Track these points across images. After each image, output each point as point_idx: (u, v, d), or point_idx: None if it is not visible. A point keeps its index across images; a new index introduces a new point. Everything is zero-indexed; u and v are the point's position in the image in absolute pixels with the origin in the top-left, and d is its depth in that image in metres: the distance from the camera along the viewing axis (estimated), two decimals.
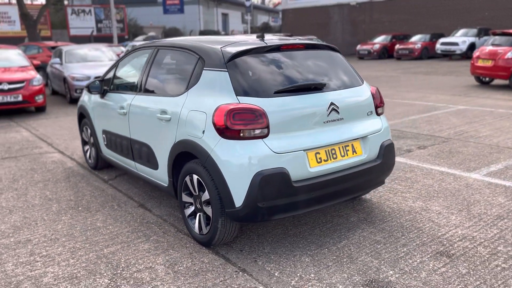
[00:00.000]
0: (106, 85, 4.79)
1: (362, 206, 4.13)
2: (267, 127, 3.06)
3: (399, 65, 21.48)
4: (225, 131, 3.03)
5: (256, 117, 3.04)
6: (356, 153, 3.46)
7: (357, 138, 3.48)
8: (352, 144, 3.45)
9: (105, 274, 3.02)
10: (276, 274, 3.00)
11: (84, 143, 5.66)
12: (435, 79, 14.96)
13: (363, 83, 3.75)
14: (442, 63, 21.16)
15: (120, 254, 3.30)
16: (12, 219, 4.00)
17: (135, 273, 3.03)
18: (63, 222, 3.90)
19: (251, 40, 3.60)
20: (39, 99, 9.81)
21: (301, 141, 3.16)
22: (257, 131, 3.03)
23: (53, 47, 15.69)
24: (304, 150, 3.16)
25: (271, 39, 3.69)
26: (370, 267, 3.05)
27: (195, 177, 3.31)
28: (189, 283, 2.90)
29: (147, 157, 3.97)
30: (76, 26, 39.99)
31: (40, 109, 10.25)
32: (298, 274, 2.98)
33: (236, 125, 3.01)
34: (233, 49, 3.32)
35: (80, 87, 11.05)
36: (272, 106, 3.11)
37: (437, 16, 28.30)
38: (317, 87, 3.34)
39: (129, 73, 4.57)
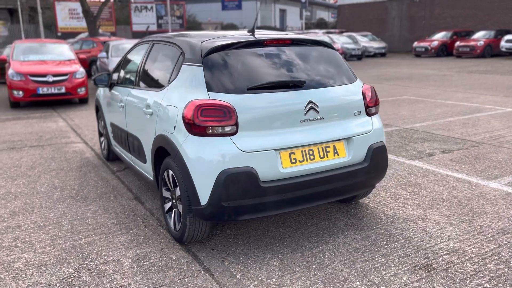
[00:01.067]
0: (115, 78, 4.90)
1: (355, 211, 3.93)
2: (236, 124, 2.97)
3: (456, 63, 20.34)
4: (192, 127, 2.98)
5: (225, 113, 2.95)
6: (338, 154, 3.28)
7: (340, 139, 3.30)
8: (334, 145, 3.28)
9: (72, 263, 3.09)
10: (238, 276, 2.91)
11: (100, 134, 5.84)
12: (491, 78, 14.00)
13: (354, 81, 3.55)
14: (505, 62, 19.79)
15: (95, 245, 3.36)
16: (14, 205, 4.20)
17: (101, 265, 3.06)
18: (57, 210, 4.04)
19: (237, 35, 3.52)
20: (81, 91, 10.28)
21: (273, 140, 3.04)
22: (225, 128, 2.95)
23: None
24: (275, 150, 3.03)
25: (262, 34, 3.58)
26: (338, 275, 2.88)
27: (170, 172, 3.30)
28: (148, 278, 2.88)
29: (138, 150, 4.01)
30: (138, 22, 41.64)
31: (83, 101, 10.74)
32: (260, 278, 2.88)
33: (203, 122, 2.95)
34: (211, 44, 3.25)
35: None
36: (243, 103, 3.02)
37: (505, 11, 26.46)
38: (296, 85, 3.20)
39: (130, 67, 4.64)
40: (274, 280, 2.86)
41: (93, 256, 3.19)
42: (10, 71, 9.85)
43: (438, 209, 3.91)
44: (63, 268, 3.03)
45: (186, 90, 3.19)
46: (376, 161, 3.45)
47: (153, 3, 42.27)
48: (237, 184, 2.93)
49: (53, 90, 9.89)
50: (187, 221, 3.16)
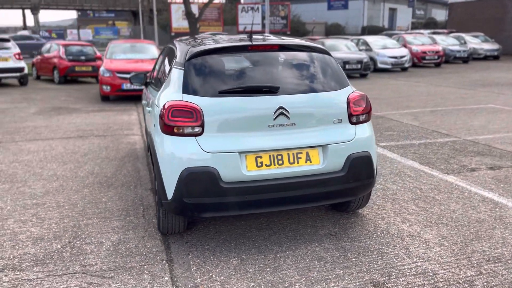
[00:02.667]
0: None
1: (347, 221, 3.83)
2: (201, 125, 3.12)
3: None
4: (164, 126, 3.20)
5: (192, 115, 3.12)
6: (310, 161, 3.26)
7: (315, 146, 3.27)
8: (307, 152, 3.26)
9: (63, 240, 3.51)
10: (192, 269, 3.07)
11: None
12: None
13: (342, 88, 3.47)
14: None
15: (91, 226, 3.76)
16: (51, 186, 4.82)
17: (85, 245, 3.44)
18: (80, 194, 4.56)
19: (227, 39, 3.66)
20: None
21: (237, 143, 3.14)
22: (191, 129, 3.12)
23: None
24: (240, 152, 3.12)
25: (257, 38, 3.67)
26: (284, 281, 2.89)
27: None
28: (114, 261, 3.18)
29: (148, 145, 4.36)
30: (243, 22, 43.24)
31: None
32: (210, 274, 3.01)
33: (172, 121, 3.15)
34: (196, 49, 3.44)
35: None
36: (212, 106, 3.16)
37: None
38: (271, 90, 3.24)
39: (155, 67, 5.01)
40: (222, 277, 2.97)
41: (83, 236, 3.59)
42: (101, 68, 11.05)
43: (438, 228, 3.65)
44: (54, 244, 3.46)
45: (169, 91, 3.42)
46: (355, 171, 3.34)
47: (260, 4, 43.47)
48: (198, 182, 3.08)
49: (134, 86, 10.82)
50: (160, 213, 3.40)
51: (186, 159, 3.10)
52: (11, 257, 3.25)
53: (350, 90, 3.51)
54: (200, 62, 3.35)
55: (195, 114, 3.12)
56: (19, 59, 13.75)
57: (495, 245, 3.35)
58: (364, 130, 3.47)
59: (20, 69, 13.79)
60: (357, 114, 3.43)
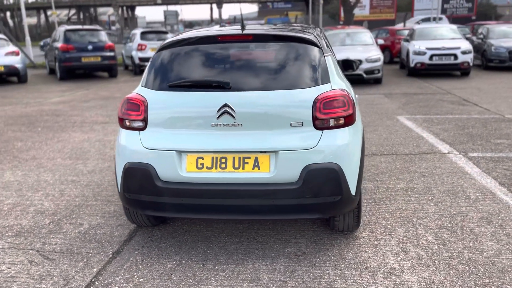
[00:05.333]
0: None
1: (329, 241, 3.26)
2: (144, 120, 3.01)
3: None
4: (118, 119, 3.18)
5: (138, 108, 3.03)
6: (258, 168, 2.86)
7: (266, 152, 2.85)
8: (256, 157, 2.86)
9: (55, 217, 3.80)
10: (125, 266, 3.00)
11: None
12: None
13: (316, 85, 2.92)
14: None
15: (89, 208, 3.98)
16: (102, 166, 5.25)
17: (68, 224, 3.67)
18: (114, 175, 4.88)
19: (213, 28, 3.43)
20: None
21: (177, 141, 2.93)
22: (135, 123, 3.04)
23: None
24: (178, 151, 2.92)
25: (250, 29, 3.34)
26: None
27: None
28: (73, 244, 3.32)
29: None
30: (420, 8, 40.37)
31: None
32: (134, 274, 2.90)
33: (123, 114, 3.10)
34: (168, 40, 3.31)
35: None
36: (156, 100, 3.01)
37: None
38: (221, 86, 2.93)
39: None
40: (141, 280, 2.84)
41: (73, 216, 3.84)
42: None
43: (431, 272, 2.83)
44: (46, 218, 3.79)
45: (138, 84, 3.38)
46: (312, 185, 2.81)
47: None
48: (134, 178, 3.00)
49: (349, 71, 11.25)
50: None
51: (129, 153, 3.03)
52: (5, 225, 3.68)
53: (326, 88, 2.94)
54: (165, 54, 3.20)
55: (140, 108, 3.03)
56: None
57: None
58: (335, 138, 2.87)
59: None
60: (325, 118, 2.86)
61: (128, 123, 3.06)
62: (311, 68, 3.02)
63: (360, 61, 11.43)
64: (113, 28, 48.12)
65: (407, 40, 14.50)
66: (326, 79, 2.99)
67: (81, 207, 4.02)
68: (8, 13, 59.11)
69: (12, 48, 13.84)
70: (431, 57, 12.90)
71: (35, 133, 7.02)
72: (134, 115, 3.03)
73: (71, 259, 3.12)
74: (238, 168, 2.87)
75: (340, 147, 2.87)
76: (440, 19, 26.49)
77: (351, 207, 3.02)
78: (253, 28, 3.41)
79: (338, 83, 3.06)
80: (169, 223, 3.64)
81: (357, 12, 45.22)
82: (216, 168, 2.89)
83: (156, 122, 2.99)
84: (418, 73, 13.67)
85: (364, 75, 11.58)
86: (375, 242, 3.24)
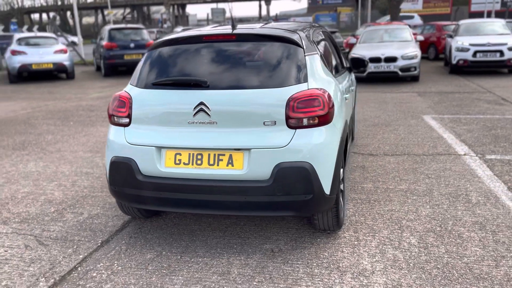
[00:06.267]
0: None
1: (310, 239, 3.27)
2: (129, 116, 3.16)
3: None
4: (108, 115, 3.36)
5: (124, 105, 3.19)
6: (232, 165, 2.93)
7: (240, 149, 2.92)
8: (230, 155, 2.94)
9: (61, 205, 4.05)
10: (109, 255, 3.17)
11: None
12: None
13: (293, 84, 2.94)
14: None
15: (93, 199, 4.21)
16: None
17: (68, 213, 3.90)
18: None
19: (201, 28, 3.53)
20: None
21: (157, 137, 3.05)
22: (121, 119, 3.19)
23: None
24: (157, 147, 3.04)
25: (240, 28, 3.41)
26: (159, 286, 2.74)
27: None
28: (67, 232, 3.53)
29: None
30: (478, 1, 38.72)
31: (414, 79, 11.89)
32: (115, 263, 3.06)
33: (112, 111, 3.27)
34: (158, 40, 3.44)
35: None
36: (140, 97, 3.15)
37: None
38: (199, 84, 3.02)
39: None
40: (119, 268, 2.99)
41: (77, 205, 4.08)
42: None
43: (402, 275, 2.79)
44: (52, 207, 4.05)
45: None
46: (283, 183, 2.84)
47: None
48: (119, 172, 3.15)
49: (384, 68, 11.25)
50: None
51: (115, 148, 3.19)
52: (15, 212, 3.97)
53: (302, 87, 2.95)
54: (154, 53, 3.34)
55: (126, 105, 3.18)
56: None
57: None
58: (308, 137, 2.89)
59: None
60: (298, 117, 2.88)
61: (115, 120, 3.23)
62: (289, 68, 3.04)
63: (395, 58, 11.22)
64: (165, 26, 49.47)
65: (450, 36, 13.95)
66: (304, 79, 3.01)
67: (86, 197, 4.26)
68: (68, 13, 62.32)
69: (60, 46, 14.64)
70: (474, 54, 12.32)
71: (67, 127, 7.45)
72: (121, 112, 3.18)
73: (62, 245, 3.33)
74: (213, 164, 2.96)
75: (313, 146, 2.88)
76: (412, 17, 24.46)
77: (326, 207, 3.02)
78: (243, 27, 3.47)
79: (317, 82, 3.07)
80: (161, 216, 3.79)
81: (409, 6, 43.84)
82: (192, 164, 2.99)
83: (139, 118, 3.13)
84: (460, 71, 13.12)
85: (400, 73, 11.27)
86: (355, 242, 3.22)
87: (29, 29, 28.65)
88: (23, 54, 13.95)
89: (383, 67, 11.30)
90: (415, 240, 3.22)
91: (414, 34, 16.02)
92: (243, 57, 3.14)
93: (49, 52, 14.12)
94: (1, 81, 15.20)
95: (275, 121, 2.89)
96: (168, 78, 3.13)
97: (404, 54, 11.29)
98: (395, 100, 9.07)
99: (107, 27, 15.45)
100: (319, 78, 3.14)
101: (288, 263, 2.97)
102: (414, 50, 11.52)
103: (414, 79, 11.77)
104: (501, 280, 2.69)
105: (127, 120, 3.17)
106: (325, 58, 3.69)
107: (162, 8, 62.64)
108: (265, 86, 2.97)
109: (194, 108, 2.96)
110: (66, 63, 14.38)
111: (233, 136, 2.93)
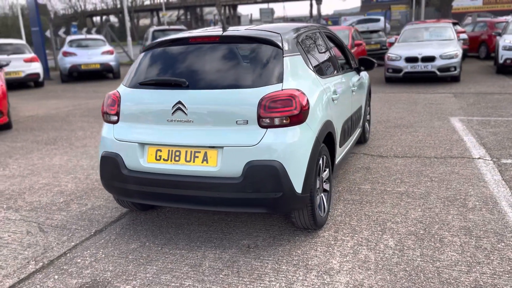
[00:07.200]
0: None
1: (289, 237, 3.33)
2: (117, 114, 3.36)
3: None
4: (101, 114, 3.58)
5: (114, 104, 3.40)
6: (207, 162, 3.05)
7: (214, 147, 3.03)
8: (205, 152, 3.06)
9: (69, 197, 4.35)
10: (98, 244, 3.39)
11: None
12: None
13: (267, 85, 3.02)
14: None
15: (100, 191, 4.48)
16: None
17: (73, 204, 4.18)
18: None
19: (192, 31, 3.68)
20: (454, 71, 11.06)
21: (140, 134, 3.23)
22: (111, 117, 3.40)
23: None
24: (140, 143, 3.22)
25: (231, 30, 3.53)
26: (132, 274, 2.92)
27: None
28: (68, 221, 3.80)
29: None
30: None
31: (454, 79, 11.38)
32: (100, 251, 3.27)
33: (104, 109, 3.49)
34: (151, 42, 3.63)
35: (391, 67, 11.32)
36: (128, 96, 3.35)
37: None
38: (179, 84, 3.17)
39: None
40: (102, 256, 3.20)
41: (84, 197, 4.36)
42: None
43: (367, 276, 2.79)
44: (61, 198, 4.36)
45: None
46: (253, 180, 2.93)
47: None
48: (107, 166, 3.37)
49: (421, 68, 10.96)
50: None
51: (105, 143, 3.41)
52: (28, 201, 4.32)
53: (276, 88, 3.02)
54: (146, 55, 3.53)
55: (115, 103, 3.39)
56: None
57: None
58: (279, 136, 2.95)
59: None
60: (269, 117, 2.95)
61: (107, 117, 3.45)
62: (266, 68, 3.12)
63: (433, 58, 10.86)
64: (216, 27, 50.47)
65: (499, 34, 13.27)
66: (279, 79, 3.07)
67: (94, 190, 4.54)
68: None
69: (107, 47, 15.41)
70: None
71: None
72: (111, 110, 3.40)
73: (60, 233, 3.60)
74: (190, 161, 3.09)
75: (283, 145, 2.94)
76: (378, 20, 22.65)
77: (298, 205, 3.08)
78: (233, 29, 3.57)
79: (295, 83, 3.12)
80: (156, 209, 3.98)
81: (467, 3, 41.88)
82: (171, 160, 3.14)
83: (126, 116, 3.33)
84: (508, 71, 12.47)
85: (438, 73, 10.89)
86: (332, 242, 3.24)
87: (88, 32, 30.29)
88: (73, 55, 14.82)
89: (420, 67, 10.97)
90: (393, 242, 3.19)
91: (461, 32, 15.39)
92: (223, 58, 3.25)
93: (97, 53, 14.90)
94: (55, 81, 16.23)
95: (247, 120, 2.98)
96: (152, 79, 3.31)
97: (443, 54, 10.90)
98: (426, 101, 8.80)
99: (151, 29, 16.08)
100: (298, 79, 3.19)
101: (259, 259, 3.05)
102: (454, 49, 11.09)
103: (454, 79, 11.33)
104: (468, 287, 2.62)
105: (115, 117, 3.38)
106: (315, 59, 3.72)
107: (214, 9, 63.86)
108: (240, 86, 3.06)
109: (173, 107, 3.11)
110: (112, 63, 15.10)
111: (208, 134, 3.05)
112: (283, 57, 3.18)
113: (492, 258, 2.92)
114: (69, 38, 15.76)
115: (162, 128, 3.18)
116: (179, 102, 3.09)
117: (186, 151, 3.11)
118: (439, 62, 10.86)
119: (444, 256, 2.96)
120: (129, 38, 22.11)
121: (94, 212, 4.00)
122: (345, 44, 5.03)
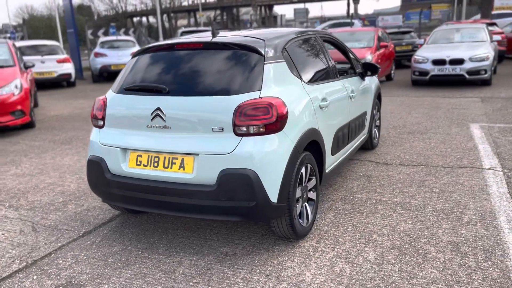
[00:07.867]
0: None
1: (268, 246, 3.28)
2: (103, 119, 3.42)
3: None
4: (91, 118, 3.65)
5: (101, 108, 3.46)
6: (183, 169, 3.06)
7: (191, 154, 3.04)
8: (182, 159, 3.07)
9: (68, 197, 4.47)
10: (82, 246, 3.47)
11: None
12: None
13: (245, 92, 2.99)
14: None
15: None
16: None
17: (71, 204, 4.29)
18: None
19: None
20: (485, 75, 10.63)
21: (122, 139, 3.28)
22: (98, 121, 3.47)
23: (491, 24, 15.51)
24: (122, 148, 3.26)
25: (220, 36, 3.53)
26: (107, 277, 2.96)
27: None
28: (61, 221, 3.91)
29: None
30: None
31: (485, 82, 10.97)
32: (83, 253, 3.34)
33: (93, 113, 3.56)
34: (139, 49, 3.67)
35: (418, 69, 11.00)
36: (113, 101, 3.40)
37: None
38: (160, 90, 3.19)
39: None
40: (84, 258, 3.26)
41: (82, 198, 4.46)
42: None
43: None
44: (61, 198, 4.48)
45: None
46: (226, 188, 2.91)
47: None
48: (92, 170, 3.43)
49: (449, 71, 10.58)
50: None
51: (92, 147, 3.48)
52: (30, 200, 4.47)
53: (253, 96, 2.99)
54: (133, 61, 3.57)
55: (102, 108, 3.45)
56: None
57: None
58: (253, 145, 2.92)
59: None
60: (244, 125, 2.92)
61: (95, 121, 3.51)
62: (244, 76, 3.09)
63: (462, 60, 10.45)
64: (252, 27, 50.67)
65: None
66: (258, 87, 3.04)
67: None
68: (164, 16, 66.23)
69: (137, 48, 15.74)
70: None
71: None
72: (99, 114, 3.46)
73: (50, 233, 3.70)
74: (167, 167, 3.11)
75: (258, 154, 2.91)
76: (352, 24, 21.41)
77: (273, 214, 3.03)
78: (221, 36, 3.55)
79: (274, 90, 3.08)
80: (147, 213, 4.02)
81: (507, 1, 40.06)
82: (150, 166, 3.17)
83: (110, 121, 3.38)
84: None
85: (467, 76, 10.47)
86: (311, 253, 3.17)
87: (125, 33, 31.09)
88: (104, 56, 15.26)
89: (448, 69, 10.59)
90: (374, 256, 3.08)
91: (496, 33, 14.74)
92: (205, 65, 3.24)
93: (126, 54, 15.25)
94: (87, 80, 16.76)
95: (223, 128, 2.96)
96: (135, 84, 3.34)
97: (472, 56, 10.48)
98: (450, 106, 8.49)
99: (180, 30, 16.30)
100: (280, 86, 3.15)
101: (233, 268, 3.02)
102: (485, 52, 10.64)
103: (485, 83, 10.87)
104: None
105: (102, 122, 3.44)
106: (304, 66, 3.66)
107: (250, 10, 64.06)
108: (218, 93, 3.05)
109: (152, 113, 3.13)
110: None
111: (185, 141, 3.05)
112: (264, 64, 3.14)
113: (474, 277, 2.77)
114: (101, 39, 16.23)
115: (142, 133, 3.21)
116: (158, 109, 3.11)
117: (165, 157, 3.12)
118: (468, 65, 10.46)
119: (423, 273, 2.84)
120: (161, 39, 22.51)
121: (88, 213, 4.08)
122: (348, 49, 4.92)
